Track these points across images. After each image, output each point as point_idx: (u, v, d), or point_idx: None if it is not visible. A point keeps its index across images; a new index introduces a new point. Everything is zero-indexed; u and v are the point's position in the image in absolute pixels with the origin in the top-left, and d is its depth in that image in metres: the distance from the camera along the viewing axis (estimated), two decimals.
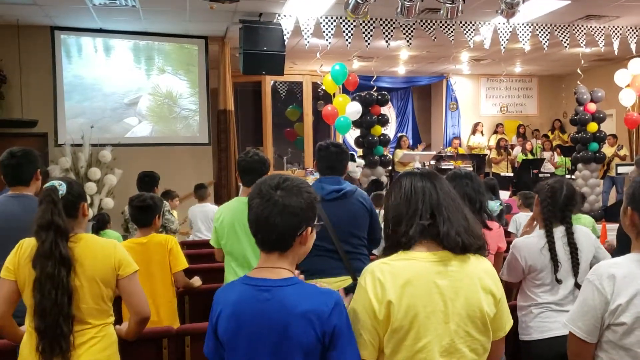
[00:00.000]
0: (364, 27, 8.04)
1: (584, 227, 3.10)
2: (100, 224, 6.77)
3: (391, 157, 10.04)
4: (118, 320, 2.65)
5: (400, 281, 1.69)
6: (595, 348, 1.94)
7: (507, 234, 5.68)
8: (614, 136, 11.17)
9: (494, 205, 3.18)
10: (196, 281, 3.82)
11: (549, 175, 10.75)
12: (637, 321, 1.83)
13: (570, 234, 2.94)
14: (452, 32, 8.26)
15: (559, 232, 2.96)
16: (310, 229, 1.74)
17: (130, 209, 3.73)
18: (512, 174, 11.65)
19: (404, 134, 13.04)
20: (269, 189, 1.71)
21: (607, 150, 10.64)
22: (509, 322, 1.84)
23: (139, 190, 5.44)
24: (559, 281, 2.88)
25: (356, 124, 8.91)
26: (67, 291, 2.25)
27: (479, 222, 1.87)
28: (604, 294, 1.87)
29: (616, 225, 4.00)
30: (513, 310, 3.06)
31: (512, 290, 3.68)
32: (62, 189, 2.33)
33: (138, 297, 2.47)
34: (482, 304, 1.73)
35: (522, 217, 5.74)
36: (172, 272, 3.57)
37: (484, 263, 1.81)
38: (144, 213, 3.61)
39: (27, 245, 2.36)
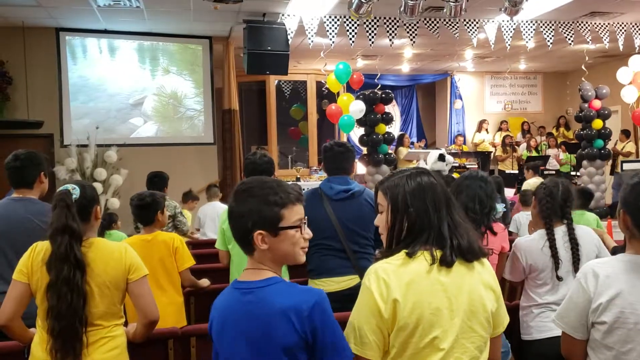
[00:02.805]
0: (367, 26, 8.05)
1: (585, 226, 3.10)
2: (107, 224, 6.81)
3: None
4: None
5: (404, 280, 1.71)
6: (586, 346, 1.96)
7: (510, 234, 5.68)
8: (624, 132, 11.11)
9: (498, 207, 3.20)
10: (204, 282, 3.84)
11: (554, 172, 10.73)
12: (617, 321, 1.84)
13: (571, 230, 2.95)
14: (456, 30, 8.25)
15: (560, 231, 2.97)
16: (263, 232, 1.70)
17: (132, 209, 3.76)
18: (517, 172, 11.63)
19: (404, 132, 13.08)
20: (231, 195, 1.79)
21: (620, 146, 10.69)
22: (506, 318, 1.88)
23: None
24: (559, 278, 2.90)
25: (360, 122, 8.91)
26: (82, 294, 2.29)
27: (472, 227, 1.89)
28: (587, 292, 1.90)
29: None
30: (517, 310, 3.09)
31: (516, 288, 3.70)
32: (76, 192, 2.36)
33: (147, 300, 2.49)
34: (484, 300, 1.76)
35: (522, 217, 5.74)
36: (178, 271, 3.59)
37: (483, 260, 1.84)
38: (144, 211, 3.64)
39: (41, 248, 2.39)
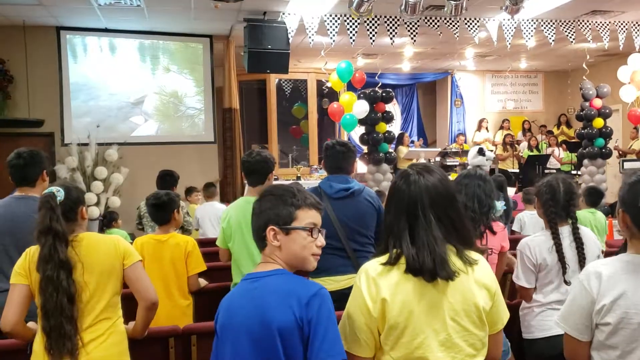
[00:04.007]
0: (368, 24, 8.04)
1: (589, 230, 3.06)
2: (107, 222, 6.83)
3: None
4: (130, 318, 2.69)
5: (393, 279, 1.72)
6: (590, 347, 1.95)
7: (513, 232, 5.68)
8: (636, 128, 11.07)
9: (498, 206, 3.18)
10: (201, 282, 3.84)
11: (554, 171, 10.73)
12: (621, 322, 1.83)
13: (576, 229, 2.93)
14: (456, 28, 8.25)
15: (566, 230, 2.94)
16: (275, 228, 1.79)
17: (147, 208, 3.76)
18: (518, 170, 11.63)
19: (404, 131, 13.09)
20: (259, 198, 1.91)
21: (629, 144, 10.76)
22: (506, 315, 1.86)
23: (158, 189, 5.47)
24: (567, 283, 2.87)
25: (361, 121, 8.91)
26: (67, 293, 2.31)
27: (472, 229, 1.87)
28: (591, 293, 1.88)
29: None
30: (517, 308, 3.08)
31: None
32: (60, 194, 2.39)
33: (144, 282, 2.55)
34: (476, 298, 1.75)
35: (526, 216, 5.74)
36: (187, 275, 3.58)
37: (477, 258, 1.83)
38: (160, 210, 3.64)
39: (35, 251, 2.42)
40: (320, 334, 1.66)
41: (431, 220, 1.75)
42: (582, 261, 2.87)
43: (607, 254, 3.49)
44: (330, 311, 1.70)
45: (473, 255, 1.80)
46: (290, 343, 1.67)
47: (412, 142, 13.18)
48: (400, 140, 11.52)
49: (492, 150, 12.57)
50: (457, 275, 1.72)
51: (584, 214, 5.08)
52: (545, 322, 2.88)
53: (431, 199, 1.77)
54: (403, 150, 11.34)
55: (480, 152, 8.30)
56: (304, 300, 1.68)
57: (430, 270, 1.70)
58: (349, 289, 1.84)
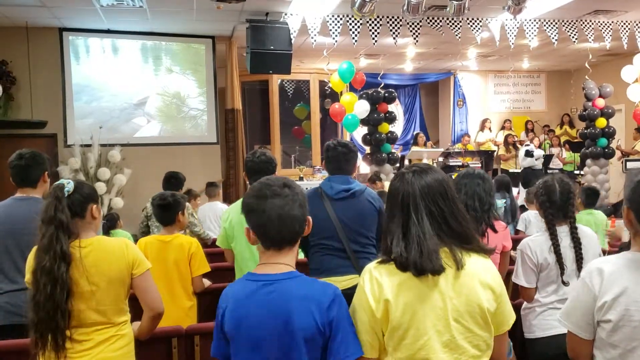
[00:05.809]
0: (370, 25, 8.04)
1: (589, 229, 3.05)
2: (110, 223, 6.83)
3: (399, 154, 10.13)
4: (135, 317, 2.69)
5: (396, 280, 1.72)
6: (593, 346, 1.94)
7: (517, 232, 5.67)
8: (637, 130, 11.04)
9: (498, 203, 3.18)
10: (205, 282, 3.85)
11: (557, 171, 10.71)
12: (622, 319, 1.82)
13: (574, 229, 2.92)
14: (459, 28, 8.24)
15: (565, 230, 2.94)
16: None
17: (153, 209, 3.77)
18: (519, 170, 11.61)
19: (419, 132, 13.14)
20: (280, 188, 1.80)
21: (632, 144, 10.71)
22: (512, 317, 1.85)
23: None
24: (565, 283, 2.87)
25: (364, 121, 8.92)
26: (66, 286, 2.25)
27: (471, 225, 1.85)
28: (593, 290, 1.88)
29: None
30: (519, 308, 3.07)
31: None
32: (69, 186, 2.35)
33: (152, 293, 2.53)
34: (481, 300, 1.74)
35: (531, 215, 5.74)
36: (192, 277, 3.59)
37: (483, 259, 1.81)
38: (165, 211, 3.65)
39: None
40: (339, 336, 1.71)
41: (422, 217, 1.75)
42: (579, 261, 2.87)
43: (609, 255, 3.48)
44: (347, 312, 1.76)
45: (470, 257, 1.77)
46: (313, 347, 1.72)
47: (425, 143, 13.20)
48: (415, 141, 11.68)
49: (494, 151, 12.59)
50: (444, 270, 1.71)
51: (582, 216, 5.07)
52: (546, 321, 2.88)
53: (423, 195, 1.76)
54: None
55: (528, 153, 8.28)
56: (325, 305, 1.72)
57: (414, 262, 1.69)
58: (350, 289, 1.85)
